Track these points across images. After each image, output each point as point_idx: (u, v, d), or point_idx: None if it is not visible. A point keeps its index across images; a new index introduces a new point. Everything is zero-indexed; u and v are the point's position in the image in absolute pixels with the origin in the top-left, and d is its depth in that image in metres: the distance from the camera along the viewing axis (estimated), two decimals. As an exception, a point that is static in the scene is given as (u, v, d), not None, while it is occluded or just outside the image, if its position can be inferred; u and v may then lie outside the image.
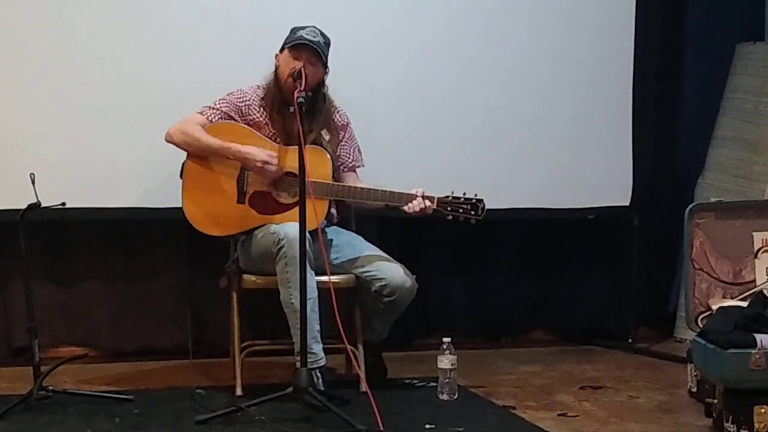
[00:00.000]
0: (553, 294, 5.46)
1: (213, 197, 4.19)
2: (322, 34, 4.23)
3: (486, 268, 5.36)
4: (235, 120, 4.25)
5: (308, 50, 4.19)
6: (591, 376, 4.68)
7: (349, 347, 4.12)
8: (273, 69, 4.28)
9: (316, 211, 3.99)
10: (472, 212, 4.15)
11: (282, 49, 4.26)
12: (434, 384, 4.22)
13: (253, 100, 4.29)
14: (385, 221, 4.82)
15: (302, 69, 4.11)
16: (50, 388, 3.93)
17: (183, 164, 4.24)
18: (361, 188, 4.20)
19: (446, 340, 4.17)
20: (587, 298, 5.47)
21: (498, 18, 5.08)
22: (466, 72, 5.04)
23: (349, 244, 4.30)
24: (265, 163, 4.11)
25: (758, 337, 3.56)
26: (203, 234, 4.21)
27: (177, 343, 4.86)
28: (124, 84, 4.64)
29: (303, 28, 4.23)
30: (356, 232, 4.45)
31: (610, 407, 4.13)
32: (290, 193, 4.18)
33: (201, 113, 4.24)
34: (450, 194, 4.16)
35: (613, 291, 5.49)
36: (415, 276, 4.21)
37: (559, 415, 4.00)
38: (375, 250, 4.28)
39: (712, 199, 4.45)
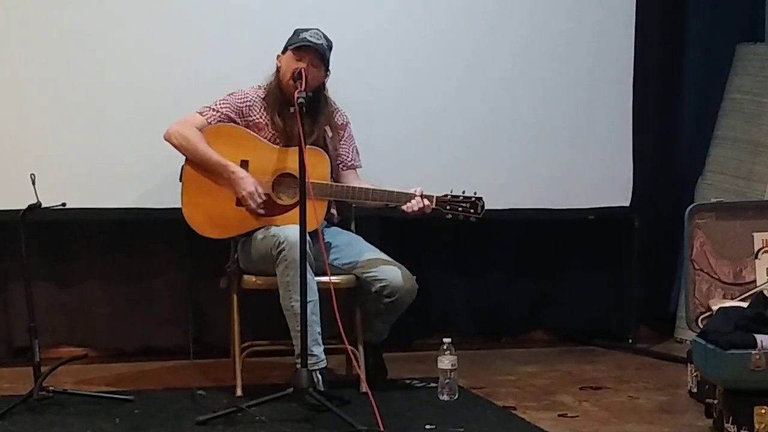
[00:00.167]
0: (553, 294, 5.46)
1: (212, 200, 4.19)
2: (325, 37, 4.24)
3: (486, 268, 5.36)
4: (235, 121, 4.25)
5: (311, 52, 4.19)
6: (591, 377, 4.68)
7: (349, 348, 4.12)
8: (274, 70, 4.29)
9: (316, 211, 3.99)
10: (471, 210, 4.15)
11: (284, 50, 4.26)
12: (434, 384, 4.22)
13: (254, 100, 4.28)
14: (385, 222, 4.82)
15: (303, 70, 4.11)
16: (50, 388, 3.94)
17: (182, 167, 4.23)
18: (360, 188, 4.20)
19: (446, 340, 4.17)
20: (587, 298, 5.47)
21: (498, 18, 5.08)
22: (466, 72, 5.04)
23: (349, 245, 4.30)
24: (250, 195, 4.10)
25: (758, 337, 3.57)
26: (203, 236, 4.21)
27: (177, 343, 4.85)
28: (125, 84, 4.64)
29: (306, 30, 4.23)
30: (356, 233, 4.45)
31: (611, 408, 4.13)
32: (290, 194, 4.18)
33: (201, 114, 4.24)
34: (449, 193, 4.16)
35: (614, 291, 5.49)
36: (415, 276, 4.21)
37: (559, 415, 4.00)
38: (375, 251, 4.28)
39: (713, 200, 4.46)
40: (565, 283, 5.45)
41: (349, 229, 4.46)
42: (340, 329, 3.81)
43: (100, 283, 4.92)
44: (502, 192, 4.82)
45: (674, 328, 5.50)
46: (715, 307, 4.06)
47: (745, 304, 3.94)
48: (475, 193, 4.16)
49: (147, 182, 4.63)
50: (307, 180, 3.80)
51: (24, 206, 3.92)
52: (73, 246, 4.90)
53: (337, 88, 4.37)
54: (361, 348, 4.27)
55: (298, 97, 3.97)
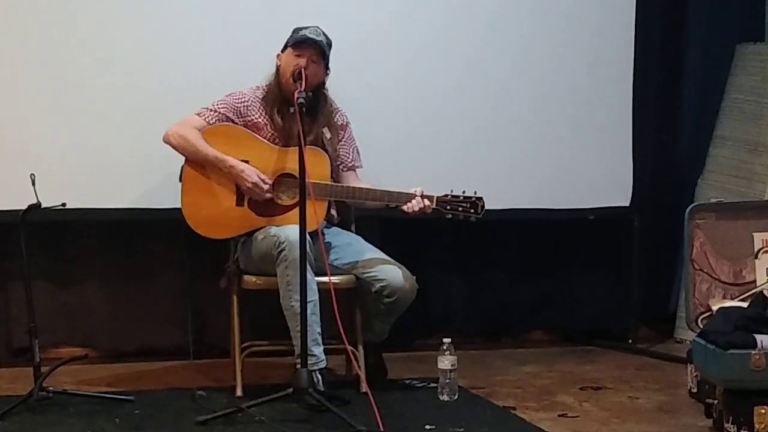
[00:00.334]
0: (553, 294, 5.46)
1: (212, 200, 4.19)
2: (324, 34, 4.24)
3: (486, 268, 5.36)
4: (233, 121, 4.25)
5: (311, 48, 4.19)
6: (591, 377, 4.68)
7: (349, 348, 4.12)
8: (274, 69, 4.28)
9: (316, 212, 3.99)
10: (472, 210, 4.15)
11: (284, 49, 4.26)
12: (434, 384, 4.22)
13: (253, 101, 4.28)
14: (385, 222, 4.82)
15: (302, 70, 4.12)
16: (50, 388, 3.93)
17: (182, 167, 4.24)
18: (360, 188, 4.20)
19: (446, 340, 4.17)
20: (587, 298, 5.47)
21: (498, 18, 5.08)
22: (466, 72, 5.04)
23: (349, 245, 4.30)
24: (255, 185, 4.11)
25: (758, 337, 3.57)
26: (203, 236, 4.21)
27: (177, 343, 4.85)
28: (125, 85, 4.64)
29: (306, 28, 4.24)
30: (356, 233, 4.45)
31: (611, 408, 4.13)
32: (289, 194, 4.18)
33: (199, 115, 4.24)
34: (449, 193, 4.16)
35: (614, 291, 5.49)
36: (415, 276, 4.21)
37: (559, 415, 4.00)
38: (375, 251, 4.28)
39: (713, 200, 4.46)
40: (565, 283, 5.45)
41: (349, 230, 4.46)
42: (340, 329, 3.81)
43: (100, 284, 4.92)
44: (502, 192, 4.82)
45: (674, 328, 5.50)
46: (715, 307, 4.07)
47: (745, 304, 3.94)
48: (475, 193, 4.16)
49: (147, 182, 4.63)
50: (306, 180, 3.79)
51: (24, 206, 3.92)
52: (73, 246, 4.90)
53: (337, 87, 4.37)
54: (361, 348, 4.27)
55: (297, 97, 3.97)
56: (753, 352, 3.52)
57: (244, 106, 4.27)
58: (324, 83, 4.30)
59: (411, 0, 4.99)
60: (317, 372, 3.97)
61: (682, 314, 5.23)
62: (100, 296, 4.93)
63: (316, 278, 4.02)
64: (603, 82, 5.23)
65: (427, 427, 3.75)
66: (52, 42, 4.59)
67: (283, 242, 3.98)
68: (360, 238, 4.38)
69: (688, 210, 4.29)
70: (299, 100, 3.96)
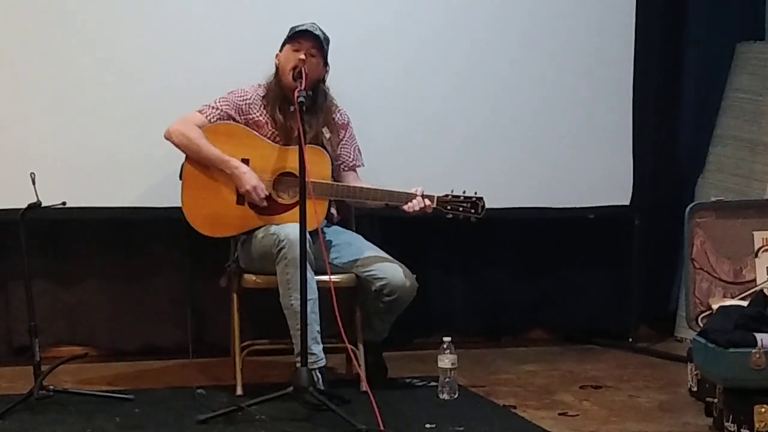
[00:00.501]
0: (553, 293, 5.47)
1: (212, 199, 4.19)
2: (321, 30, 4.24)
3: (486, 267, 5.36)
4: (234, 119, 4.25)
5: (309, 40, 4.19)
6: (591, 376, 4.68)
7: (349, 347, 4.12)
8: (274, 69, 4.28)
9: (317, 211, 3.99)
10: (472, 210, 4.16)
11: (282, 46, 4.26)
12: (435, 383, 4.22)
13: (254, 99, 4.29)
14: (385, 221, 4.82)
15: (303, 68, 4.12)
16: (51, 387, 3.93)
17: (182, 166, 4.24)
18: (361, 188, 4.20)
19: (446, 339, 4.17)
20: (588, 297, 5.47)
21: (498, 18, 5.08)
22: (466, 72, 5.04)
23: (349, 244, 4.30)
24: (254, 189, 4.10)
25: (758, 336, 3.57)
26: (203, 235, 4.21)
27: (177, 342, 4.85)
28: (125, 83, 4.64)
29: (302, 24, 4.24)
30: (356, 232, 4.45)
31: (611, 406, 4.13)
32: (290, 193, 4.18)
33: (201, 112, 4.24)
34: (450, 193, 4.16)
35: (614, 290, 5.49)
36: (415, 275, 4.21)
37: (559, 414, 4.00)
38: (375, 250, 4.28)
39: (713, 199, 4.45)
40: (565, 282, 5.45)
41: (349, 229, 4.46)
42: (340, 328, 3.81)
43: (100, 282, 4.92)
44: (503, 191, 4.82)
45: (674, 327, 5.50)
46: (715, 306, 4.06)
47: (745, 303, 3.93)
48: (475, 193, 4.16)
49: (147, 181, 4.63)
50: (307, 179, 3.79)
51: (24, 205, 3.92)
52: (73, 245, 4.90)
53: (337, 87, 4.37)
54: (361, 347, 4.27)
55: (298, 96, 3.97)
56: (753, 350, 3.52)
57: (246, 103, 4.27)
58: (324, 80, 4.29)
59: (411, 0, 4.98)
60: (317, 371, 3.97)
61: (682, 313, 5.24)
62: (100, 295, 4.93)
63: (316, 277, 4.02)
64: (603, 82, 5.23)
65: (428, 425, 3.75)
66: (52, 42, 4.59)
67: (282, 240, 3.98)
68: (360, 237, 4.38)
69: (688, 209, 4.29)
70: (299, 99, 3.96)
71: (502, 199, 4.74)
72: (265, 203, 4.15)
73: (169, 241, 4.89)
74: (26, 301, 3.97)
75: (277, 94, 4.24)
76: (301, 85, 4.05)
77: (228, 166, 4.14)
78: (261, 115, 4.27)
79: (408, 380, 4.46)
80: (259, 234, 4.14)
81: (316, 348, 4.01)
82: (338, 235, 4.33)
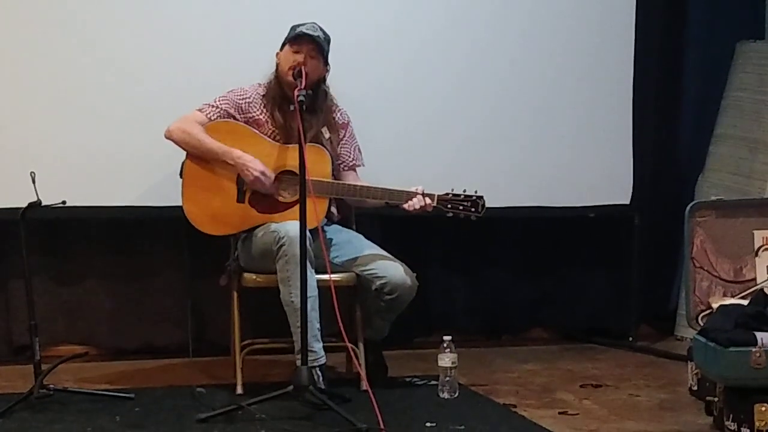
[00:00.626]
0: (553, 292, 5.47)
1: (213, 196, 4.19)
2: (322, 30, 4.24)
3: (487, 266, 5.37)
4: (234, 117, 4.25)
5: (309, 43, 4.19)
6: (591, 374, 4.68)
7: (349, 345, 4.11)
8: (274, 68, 4.29)
9: (317, 209, 3.99)
10: (472, 209, 4.16)
11: (282, 46, 4.26)
12: (435, 382, 4.22)
13: (254, 98, 4.29)
14: (385, 220, 4.82)
15: (303, 68, 4.12)
16: (51, 386, 3.93)
17: (183, 163, 4.24)
18: (361, 186, 4.20)
19: (447, 338, 4.17)
20: (588, 296, 5.48)
21: (498, 18, 5.08)
22: (466, 71, 5.04)
23: (349, 243, 4.30)
24: (262, 174, 4.11)
25: (759, 335, 3.56)
26: (203, 233, 4.21)
27: (177, 341, 4.87)
28: (125, 82, 4.64)
29: (303, 24, 4.24)
30: (357, 231, 4.45)
31: (611, 405, 4.13)
32: (290, 191, 4.18)
33: (201, 111, 4.24)
34: (450, 191, 4.16)
35: (614, 289, 5.49)
36: (415, 274, 4.21)
37: (559, 413, 4.00)
38: (375, 249, 4.28)
39: (713, 198, 4.45)
40: (565, 281, 5.45)
41: (349, 227, 4.46)
42: (340, 327, 3.81)
43: (100, 281, 4.93)
44: (503, 190, 4.83)
45: (674, 326, 5.51)
46: (715, 305, 4.06)
47: (745, 302, 3.93)
48: (476, 192, 4.16)
49: (147, 180, 4.64)
50: (307, 177, 3.80)
51: (24, 204, 3.92)
52: (73, 244, 4.91)
53: (337, 87, 4.37)
54: (361, 346, 4.27)
55: (297, 95, 3.97)
56: (753, 349, 3.52)
57: (246, 102, 4.27)
58: (324, 79, 4.30)
59: (411, 0, 4.99)
60: (317, 369, 3.96)
61: (682, 312, 5.24)
62: (101, 294, 4.93)
63: (317, 276, 4.02)
64: (603, 81, 5.23)
65: (428, 424, 3.75)
66: (52, 41, 4.60)
67: (282, 237, 3.98)
68: (360, 236, 4.38)
69: (688, 208, 4.29)
70: (299, 98, 3.96)
71: (503, 198, 4.75)
72: (273, 190, 4.13)
73: (169, 240, 4.89)
74: (26, 301, 3.97)
75: (277, 93, 4.24)
76: (300, 84, 4.05)
77: (231, 157, 4.14)
78: (261, 114, 4.27)
79: (408, 379, 4.46)
80: (260, 232, 4.14)
81: (317, 345, 4.01)
82: (338, 234, 4.33)
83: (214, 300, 4.73)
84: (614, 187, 5.24)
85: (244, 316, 4.32)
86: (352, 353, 4.19)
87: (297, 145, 3.95)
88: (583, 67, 5.19)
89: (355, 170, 4.40)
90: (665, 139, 5.56)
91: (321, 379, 3.97)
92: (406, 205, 4.14)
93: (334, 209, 4.36)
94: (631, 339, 5.40)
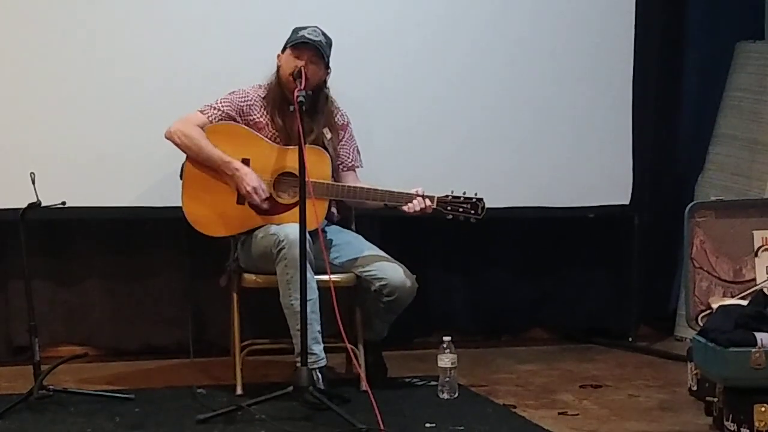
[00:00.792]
0: (553, 292, 5.47)
1: (212, 198, 4.19)
2: (324, 34, 4.24)
3: (486, 266, 5.37)
4: (235, 120, 4.25)
5: (310, 49, 4.19)
6: (591, 375, 4.68)
7: (349, 346, 4.12)
8: (275, 69, 4.29)
9: (317, 211, 3.99)
10: (472, 211, 4.16)
11: (284, 49, 4.26)
12: (434, 383, 4.22)
13: (255, 100, 4.29)
14: (385, 221, 4.82)
15: (302, 68, 4.12)
16: (50, 387, 3.93)
17: (183, 164, 4.24)
18: (361, 188, 4.20)
19: (446, 338, 4.17)
20: (587, 296, 5.47)
21: (498, 18, 5.08)
22: (466, 71, 5.04)
23: (349, 244, 4.30)
24: (255, 190, 4.10)
25: (758, 335, 3.56)
26: (203, 234, 4.21)
27: (177, 342, 4.86)
28: (125, 83, 4.64)
29: (305, 28, 4.24)
30: (356, 232, 4.45)
31: (611, 406, 4.13)
32: (290, 193, 4.18)
33: (202, 112, 4.24)
34: (450, 193, 4.16)
35: (614, 289, 5.49)
36: (415, 275, 4.21)
37: (559, 413, 4.00)
38: (375, 250, 4.28)
39: (712, 198, 4.45)
40: (565, 282, 5.45)
41: (349, 228, 4.46)
42: (340, 328, 3.81)
43: (100, 282, 4.93)
44: (502, 190, 4.83)
45: (674, 326, 5.50)
46: (715, 305, 4.06)
47: (745, 302, 3.93)
48: (475, 194, 4.16)
49: (147, 181, 4.63)
50: (307, 179, 3.80)
51: (24, 205, 3.92)
52: (73, 245, 4.91)
53: (337, 87, 4.37)
54: (361, 346, 4.27)
55: (297, 96, 3.97)
56: (753, 350, 3.52)
57: (246, 104, 4.27)
58: (325, 82, 4.30)
59: (411, 0, 4.98)
60: (317, 370, 3.97)
61: (682, 312, 5.24)
62: (100, 294, 4.93)
63: (316, 276, 4.02)
64: (603, 81, 5.23)
65: (427, 425, 3.75)
66: (53, 42, 4.59)
67: (282, 240, 3.98)
68: (360, 237, 4.38)
69: (687, 208, 4.28)
70: (299, 99, 3.96)
71: (502, 198, 4.74)
72: (265, 205, 4.15)
73: (169, 241, 4.89)
74: (26, 301, 3.97)
75: (277, 95, 4.24)
76: (300, 85, 4.05)
77: (229, 168, 4.14)
78: (261, 116, 4.27)
79: (408, 380, 4.46)
80: (259, 234, 4.14)
81: (317, 348, 4.01)
82: (338, 235, 4.33)
83: (214, 300, 4.73)
84: (614, 188, 5.24)
85: (244, 317, 4.32)
86: (351, 354, 4.19)
87: (296, 147, 3.95)
88: (582, 67, 5.19)
89: (354, 171, 4.40)
90: (665, 139, 5.56)
91: (321, 380, 3.97)
92: (405, 207, 4.14)
93: (334, 209, 4.36)
94: (630, 339, 5.40)
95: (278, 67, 4.27)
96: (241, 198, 4.17)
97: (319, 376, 3.97)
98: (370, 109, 4.73)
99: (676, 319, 5.49)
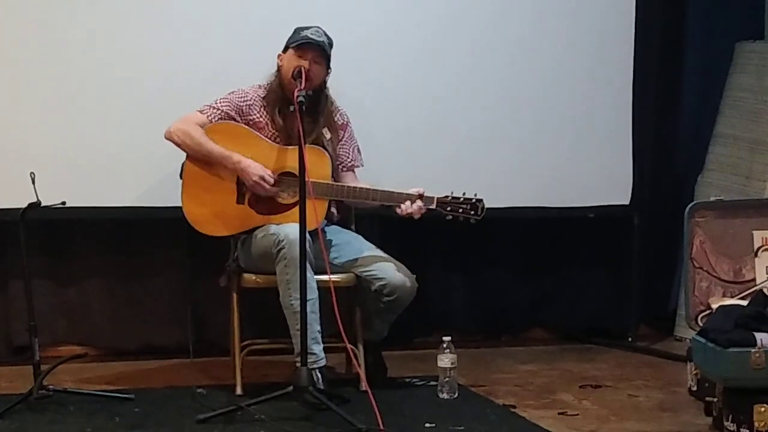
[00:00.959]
0: (553, 293, 5.47)
1: (212, 197, 4.19)
2: (325, 34, 4.24)
3: (486, 266, 5.36)
4: (235, 119, 4.25)
5: (313, 49, 4.19)
6: (591, 375, 4.68)
7: (349, 346, 4.12)
8: (275, 69, 4.29)
9: (317, 211, 4.00)
10: (472, 212, 4.16)
11: (286, 49, 4.26)
12: (434, 383, 4.22)
13: (254, 100, 4.29)
14: (385, 221, 4.81)
15: (302, 68, 4.12)
16: (50, 387, 3.93)
17: (183, 164, 4.24)
18: (361, 188, 4.20)
19: (446, 338, 4.17)
20: (587, 296, 5.47)
21: (498, 17, 5.08)
22: (466, 71, 5.04)
23: (349, 244, 4.30)
24: (261, 179, 4.11)
25: (758, 335, 3.56)
26: (203, 234, 4.21)
27: (177, 342, 4.86)
28: (125, 83, 4.64)
29: (307, 28, 4.24)
30: (356, 232, 4.45)
31: (610, 406, 4.13)
32: (290, 193, 4.18)
33: (202, 112, 4.24)
34: (449, 194, 4.16)
35: (613, 289, 5.49)
36: (415, 275, 4.21)
37: (559, 413, 4.00)
38: (375, 250, 4.28)
39: (712, 198, 4.45)
40: (564, 282, 5.45)
41: (349, 228, 4.46)
42: (339, 328, 3.81)
43: (99, 282, 4.93)
44: (502, 190, 4.83)
45: (674, 327, 5.50)
46: (714, 306, 4.06)
47: (744, 303, 3.93)
48: (475, 195, 4.16)
49: (147, 181, 4.63)
50: (307, 179, 3.80)
51: (24, 205, 3.92)
52: (72, 245, 4.91)
53: (337, 87, 4.37)
54: (360, 346, 4.27)
55: (297, 96, 3.97)
56: (753, 350, 3.52)
57: (246, 104, 4.27)
58: (325, 82, 4.30)
59: (411, 0, 4.98)
60: (317, 370, 3.97)
61: (681, 312, 5.24)
62: (100, 294, 4.93)
63: (316, 276, 4.02)
64: (603, 81, 5.23)
65: (427, 425, 3.75)
66: (52, 42, 4.60)
67: (282, 240, 3.98)
68: (360, 237, 4.38)
69: (687, 208, 4.29)
70: (299, 99, 3.96)
71: (502, 198, 4.75)
72: (275, 191, 4.13)
73: (169, 241, 4.89)
74: (26, 301, 3.97)
75: (278, 95, 4.24)
76: (300, 85, 4.05)
77: (230, 162, 4.14)
78: (261, 116, 4.27)
79: (408, 380, 4.46)
80: (259, 234, 4.14)
81: (317, 348, 4.01)
82: (338, 235, 4.33)
83: (214, 300, 4.73)
84: (614, 188, 5.24)
85: (244, 317, 4.32)
86: (351, 354, 4.19)
87: (296, 147, 3.95)
88: (583, 67, 5.19)
89: (353, 171, 4.40)
90: (665, 139, 5.56)
91: (321, 380, 3.97)
92: (398, 209, 4.14)
93: (334, 209, 4.36)
94: (630, 339, 5.40)
95: (279, 67, 4.27)
96: (241, 197, 4.17)
97: (319, 376, 3.97)
98: (370, 109, 4.73)
99: (675, 319, 5.49)
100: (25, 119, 4.58)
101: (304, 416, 3.79)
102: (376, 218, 4.77)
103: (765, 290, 4.04)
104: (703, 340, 3.67)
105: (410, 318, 4.56)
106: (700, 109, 5.57)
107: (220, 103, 4.26)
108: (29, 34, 4.58)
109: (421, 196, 4.13)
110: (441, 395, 4.16)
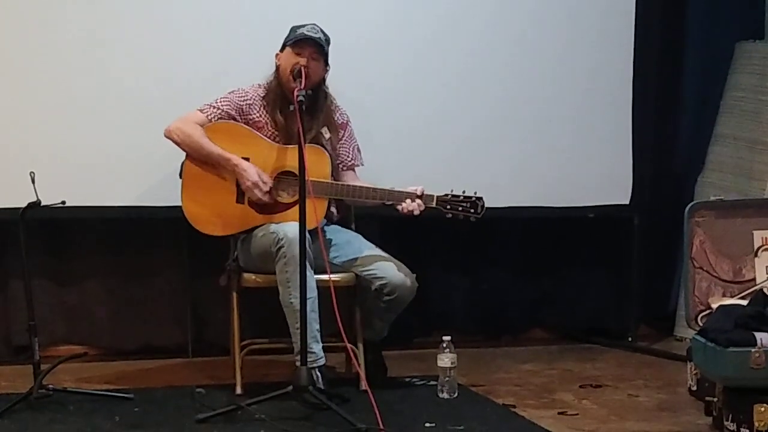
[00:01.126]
0: (553, 292, 5.47)
1: (212, 197, 4.19)
2: (322, 31, 4.24)
3: (486, 266, 5.36)
4: (235, 119, 4.25)
5: (311, 45, 4.19)
6: (591, 375, 4.68)
7: (349, 346, 4.12)
8: (273, 69, 4.29)
9: (316, 210, 4.00)
10: (472, 210, 4.16)
11: (283, 48, 4.26)
12: (434, 382, 4.22)
13: (254, 99, 4.29)
14: (385, 220, 4.82)
15: (302, 67, 4.12)
16: (50, 386, 3.93)
17: (182, 164, 4.24)
18: (361, 187, 4.20)
19: (446, 338, 4.17)
20: (587, 296, 5.48)
21: (498, 17, 5.08)
22: (466, 71, 5.04)
23: (348, 243, 4.30)
24: (255, 185, 4.11)
25: (758, 335, 3.56)
26: (203, 233, 4.21)
27: (177, 341, 4.86)
28: (124, 82, 4.64)
29: (303, 25, 4.24)
30: (356, 231, 4.45)
31: (610, 405, 4.13)
32: (290, 192, 4.18)
33: (202, 111, 4.24)
34: (449, 192, 4.16)
35: (613, 289, 5.49)
36: (415, 274, 4.21)
37: (559, 413, 4.00)
38: (375, 249, 4.28)
39: (712, 198, 4.45)
40: (564, 281, 5.45)
41: (349, 228, 4.46)
42: (339, 327, 3.81)
43: (99, 282, 4.92)
44: (502, 190, 4.83)
45: (674, 326, 5.51)
46: (714, 305, 4.06)
47: (744, 302, 3.93)
48: (475, 193, 4.16)
49: (147, 180, 4.64)
50: (306, 178, 3.80)
51: (24, 204, 3.92)
52: (72, 244, 4.90)
53: (337, 86, 4.37)
54: (360, 346, 4.28)
55: (297, 95, 3.97)
56: (753, 350, 3.52)
57: (246, 104, 4.27)
58: (324, 80, 4.30)
59: (411, 0, 4.98)
60: (317, 370, 3.96)
61: (681, 312, 5.23)
62: (100, 294, 4.93)
63: (316, 276, 4.02)
64: (603, 81, 5.23)
65: (427, 424, 3.75)
66: (52, 41, 4.59)
67: (282, 239, 3.98)
68: (360, 236, 4.38)
69: (687, 208, 4.29)
70: (299, 98, 3.96)
71: (503, 198, 4.75)
72: (267, 197, 4.14)
73: (169, 240, 4.89)
74: (26, 300, 3.97)
75: (277, 94, 4.24)
76: (300, 84, 4.05)
77: (229, 164, 4.14)
78: (261, 115, 4.27)
79: (407, 379, 4.46)
80: (259, 233, 4.14)
81: (316, 346, 4.01)
82: (338, 234, 4.33)
83: (214, 300, 4.73)
84: (614, 188, 5.24)
85: (244, 317, 4.31)
86: (351, 353, 4.19)
87: (296, 146, 3.95)
88: (583, 67, 5.19)
89: (353, 170, 4.40)
90: (665, 140, 5.56)
91: (320, 379, 3.97)
92: (399, 207, 4.14)
93: (333, 209, 4.36)
94: (630, 339, 5.40)
95: (277, 67, 4.27)
96: (241, 197, 4.17)
97: (319, 375, 3.97)
98: (370, 108, 4.73)
99: (675, 319, 5.49)
100: (25, 119, 4.58)
101: (304, 416, 3.79)
102: (376, 218, 4.77)
103: (765, 290, 4.04)
104: (703, 339, 3.67)
105: (410, 318, 4.56)
106: (700, 109, 5.57)
107: (220, 102, 4.26)
108: (29, 34, 4.58)
109: (420, 195, 4.13)
110: (441, 395, 4.16)
